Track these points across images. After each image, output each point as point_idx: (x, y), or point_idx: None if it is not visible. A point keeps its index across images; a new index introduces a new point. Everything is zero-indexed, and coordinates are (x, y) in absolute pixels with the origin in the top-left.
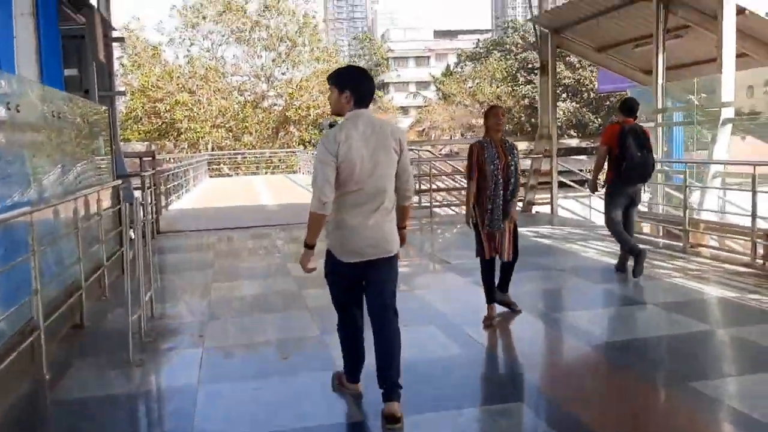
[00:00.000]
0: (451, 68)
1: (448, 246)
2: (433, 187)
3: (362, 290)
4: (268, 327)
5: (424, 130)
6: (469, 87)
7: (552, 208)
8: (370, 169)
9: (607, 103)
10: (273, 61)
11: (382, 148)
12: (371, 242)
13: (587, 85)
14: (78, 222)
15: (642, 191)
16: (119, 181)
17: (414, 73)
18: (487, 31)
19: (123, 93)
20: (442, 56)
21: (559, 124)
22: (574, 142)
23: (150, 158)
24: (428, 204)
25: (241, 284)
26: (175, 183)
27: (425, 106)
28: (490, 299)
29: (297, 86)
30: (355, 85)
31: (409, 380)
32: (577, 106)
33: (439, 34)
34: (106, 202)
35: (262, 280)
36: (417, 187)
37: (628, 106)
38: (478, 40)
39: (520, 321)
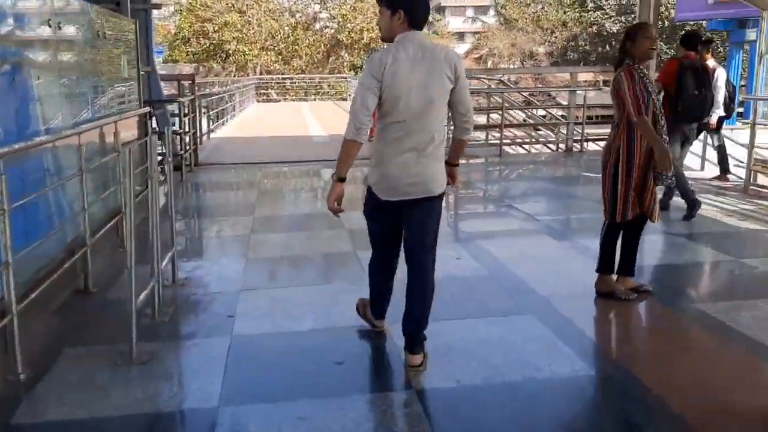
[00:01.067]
0: None
1: (527, 194)
2: (505, 122)
3: (401, 230)
4: (316, 305)
5: (481, 56)
6: (533, 12)
7: None
8: (419, 98)
9: (682, 33)
10: None
11: (434, 75)
12: (413, 180)
13: (662, 13)
14: (82, 161)
15: (696, 130)
16: (146, 109)
17: None
18: None
19: (158, 6)
20: None
21: None
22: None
23: (190, 81)
24: (497, 141)
25: (284, 239)
26: (220, 108)
27: (483, 32)
28: (608, 267)
29: (351, 7)
30: (409, 4)
31: None
32: None
33: None
34: (130, 133)
35: (311, 233)
36: (485, 121)
37: (689, 40)
38: None
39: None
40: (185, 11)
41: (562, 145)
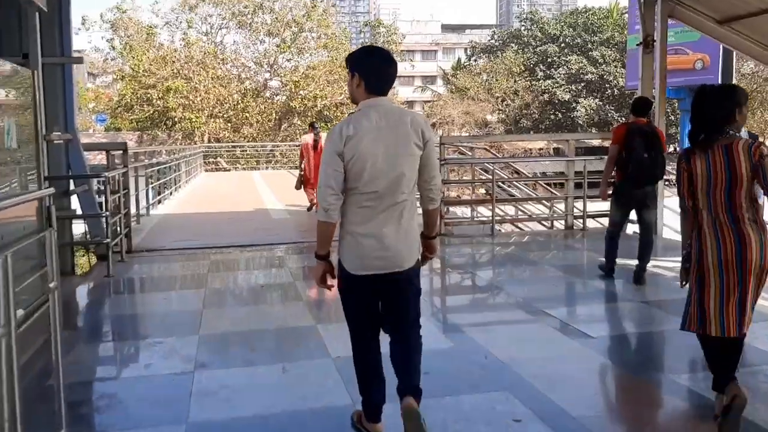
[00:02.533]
0: (463, 61)
1: (541, 288)
2: (496, 196)
3: (378, 307)
4: None
5: (434, 124)
6: (484, 80)
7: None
8: (385, 168)
9: (632, 101)
10: (277, 47)
11: (400, 143)
12: (383, 254)
13: (611, 81)
14: None
15: (654, 192)
16: (47, 191)
17: (420, 67)
18: (492, 26)
19: (79, 60)
20: (450, 50)
21: (580, 122)
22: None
23: (121, 151)
24: (489, 218)
25: (244, 381)
26: (162, 180)
27: (435, 101)
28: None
29: (302, 75)
30: (365, 67)
31: None
32: (600, 103)
33: (447, 28)
34: (19, 224)
35: (282, 363)
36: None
37: (638, 106)
38: (494, 31)
39: None
40: (127, 77)
41: (560, 222)
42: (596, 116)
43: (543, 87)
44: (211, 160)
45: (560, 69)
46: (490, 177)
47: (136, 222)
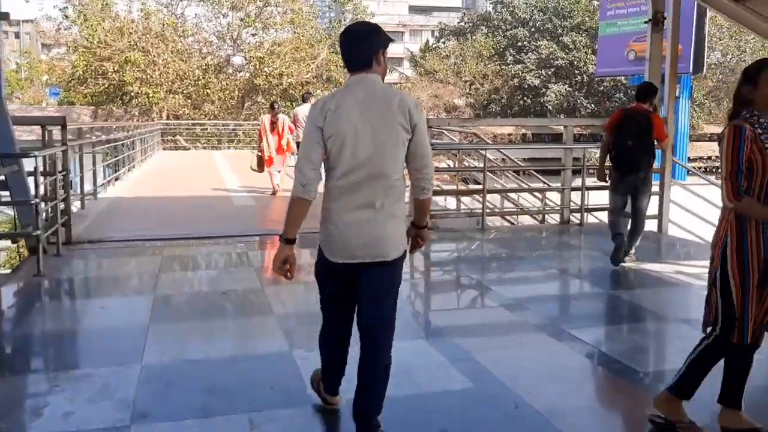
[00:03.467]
0: (431, 44)
1: (558, 302)
2: (487, 185)
3: (354, 299)
4: None
5: None
6: (453, 63)
7: (661, 221)
8: (366, 149)
9: (601, 87)
10: (241, 20)
11: (384, 123)
12: (365, 241)
13: (581, 67)
14: None
15: (646, 179)
16: None
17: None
18: (458, 9)
19: (4, 16)
20: (417, 32)
21: (549, 107)
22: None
23: (60, 126)
24: (479, 210)
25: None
26: (113, 160)
27: (403, 83)
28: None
29: (268, 51)
30: (341, 46)
31: None
32: (570, 89)
33: (415, 9)
34: None
35: (250, 430)
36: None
37: (640, 91)
38: (464, 14)
39: None
40: (81, 48)
41: (554, 216)
42: (565, 102)
43: (513, 72)
44: (169, 138)
45: (530, 54)
46: (476, 165)
47: (81, 207)
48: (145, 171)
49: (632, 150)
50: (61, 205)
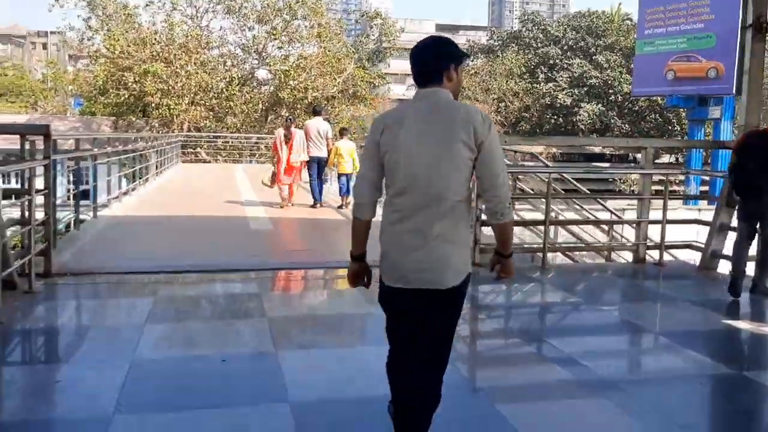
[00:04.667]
0: None
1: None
2: (552, 216)
3: (415, 337)
4: None
5: None
6: (481, 80)
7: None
8: (420, 168)
9: (636, 108)
10: (267, 33)
11: (443, 141)
12: (415, 266)
13: (615, 86)
14: None
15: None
16: None
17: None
18: (484, 28)
19: None
20: None
21: (582, 126)
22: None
23: (42, 136)
24: (541, 245)
25: None
26: (116, 174)
27: None
28: None
29: (294, 64)
30: (410, 58)
31: None
32: (603, 108)
33: (442, 27)
34: None
35: None
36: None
37: None
38: (492, 31)
39: None
40: (103, 58)
41: (625, 254)
42: (599, 122)
43: (544, 90)
44: (189, 150)
45: (562, 72)
46: (539, 191)
47: (75, 228)
48: (161, 184)
49: (753, 174)
50: (41, 231)
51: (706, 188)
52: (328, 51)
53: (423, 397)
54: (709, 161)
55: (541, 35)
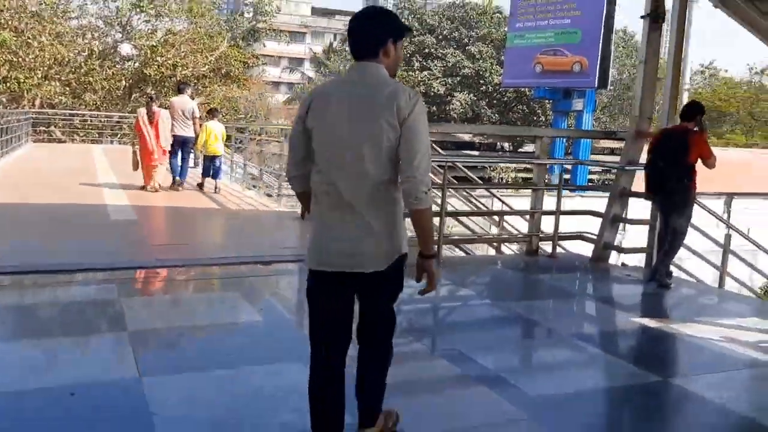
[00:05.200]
0: (335, 46)
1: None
2: (448, 207)
3: (342, 319)
4: None
5: None
6: None
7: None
8: (343, 147)
9: (504, 98)
10: (132, 5)
11: (367, 117)
12: (339, 248)
13: (486, 77)
14: None
15: (679, 206)
16: None
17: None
18: None
19: None
20: (319, 34)
21: (454, 115)
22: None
23: None
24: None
25: None
26: None
27: (306, 84)
28: None
29: (161, 40)
30: (348, 30)
31: None
32: (474, 98)
33: (317, 11)
34: None
35: None
36: None
37: (683, 109)
38: None
39: None
40: None
41: (513, 246)
42: (470, 111)
43: (419, 78)
44: (42, 128)
45: (437, 61)
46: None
47: None
48: (5, 168)
49: (656, 172)
50: None
51: (568, 176)
52: (200, 27)
53: (385, 355)
54: (570, 151)
55: (416, 24)
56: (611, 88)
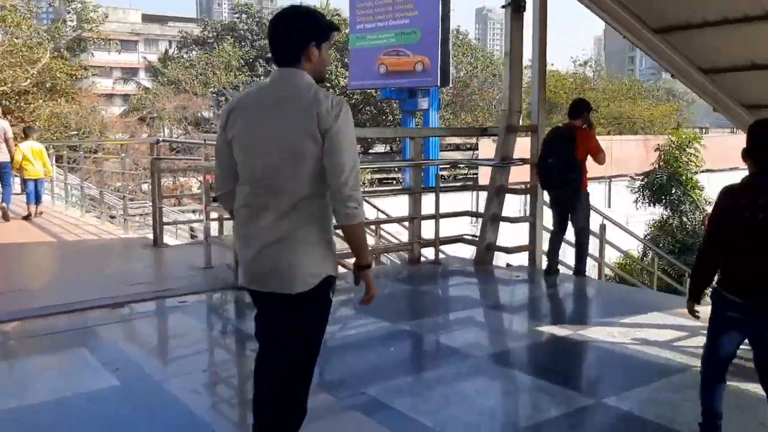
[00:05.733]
0: (171, 53)
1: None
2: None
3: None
4: None
5: (144, 118)
6: (199, 74)
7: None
8: (260, 160)
9: (352, 101)
10: None
11: (284, 128)
12: (261, 268)
13: (332, 80)
14: None
15: (573, 202)
16: None
17: (120, 58)
18: (194, 19)
19: None
20: (153, 42)
21: None
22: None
23: None
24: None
25: None
26: None
27: (143, 94)
28: None
29: None
30: (267, 33)
31: None
32: None
33: (149, 18)
34: None
35: None
36: None
37: (570, 107)
38: (206, 23)
39: None
40: None
41: (390, 256)
42: None
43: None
44: None
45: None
46: None
47: None
48: None
49: (546, 169)
50: None
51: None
52: (16, 38)
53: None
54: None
55: (255, 27)
56: (450, 86)
